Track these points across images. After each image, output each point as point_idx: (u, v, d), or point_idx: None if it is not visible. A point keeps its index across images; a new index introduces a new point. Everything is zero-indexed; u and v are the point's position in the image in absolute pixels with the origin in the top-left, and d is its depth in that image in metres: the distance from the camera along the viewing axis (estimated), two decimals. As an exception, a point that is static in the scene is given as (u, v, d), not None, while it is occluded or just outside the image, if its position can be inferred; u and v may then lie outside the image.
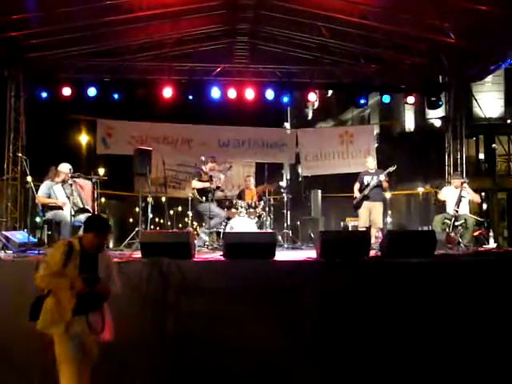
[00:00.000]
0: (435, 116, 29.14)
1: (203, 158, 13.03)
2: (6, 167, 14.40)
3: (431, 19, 12.80)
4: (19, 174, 14.08)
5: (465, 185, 12.25)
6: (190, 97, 15.43)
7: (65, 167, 10.61)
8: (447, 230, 11.73)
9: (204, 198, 12.32)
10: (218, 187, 12.80)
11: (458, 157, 15.76)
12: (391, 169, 12.83)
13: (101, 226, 5.77)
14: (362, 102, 16.13)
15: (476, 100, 19.78)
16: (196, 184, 12.51)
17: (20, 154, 13.34)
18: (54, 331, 5.54)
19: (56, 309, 5.51)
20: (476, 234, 12.36)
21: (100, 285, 5.58)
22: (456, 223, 11.80)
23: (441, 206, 12.79)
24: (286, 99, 16.10)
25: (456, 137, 15.92)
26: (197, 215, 13.37)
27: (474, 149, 30.30)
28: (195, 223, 16.48)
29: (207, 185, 12.46)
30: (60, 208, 10.32)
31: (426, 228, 22.69)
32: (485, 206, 25.45)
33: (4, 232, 10.51)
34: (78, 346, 5.57)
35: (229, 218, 12.72)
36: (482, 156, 30.94)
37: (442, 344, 7.40)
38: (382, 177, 12.55)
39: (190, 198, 13.53)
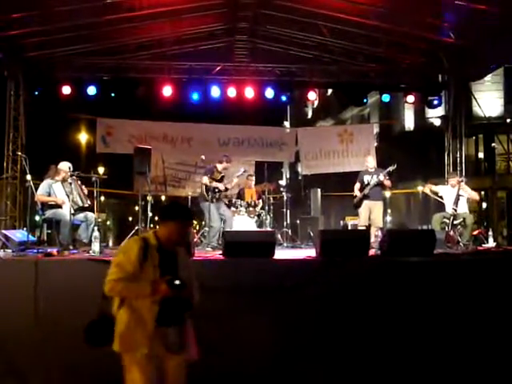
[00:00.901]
0: (435, 115, 29.08)
1: (203, 157, 13.04)
2: (6, 166, 14.40)
3: (430, 18, 12.81)
4: (19, 173, 14.10)
5: (462, 183, 12.26)
6: (190, 95, 15.44)
7: (64, 165, 10.61)
8: (446, 228, 11.75)
9: (210, 197, 12.27)
10: (227, 189, 12.79)
11: (458, 156, 15.75)
12: (391, 168, 12.82)
13: (185, 213, 4.73)
14: (362, 100, 16.16)
15: (475, 99, 19.74)
16: (207, 181, 12.46)
17: (20, 153, 13.33)
18: (136, 352, 4.45)
19: (135, 323, 4.46)
20: (475, 232, 12.38)
21: (185, 289, 4.52)
22: (455, 222, 11.83)
23: (440, 205, 12.79)
24: (285, 98, 16.12)
25: (455, 136, 15.92)
26: (198, 212, 13.35)
27: (473, 148, 30.26)
28: (194, 222, 16.46)
29: (218, 185, 12.44)
30: (59, 207, 10.32)
31: (425, 227, 22.69)
32: (484, 205, 25.46)
33: (3, 231, 10.49)
34: (158, 371, 4.56)
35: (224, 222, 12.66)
36: (481, 155, 30.91)
37: (442, 342, 7.40)
38: (382, 177, 12.54)
39: (189, 197, 13.56)
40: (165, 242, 4.59)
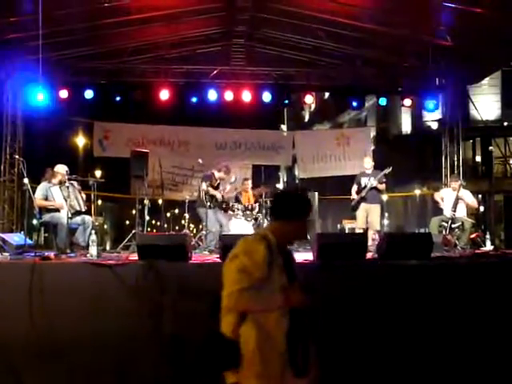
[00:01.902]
0: (432, 118, 29.20)
1: (201, 161, 13.07)
2: (3, 169, 14.37)
3: (427, 22, 12.82)
4: (16, 176, 14.08)
5: (463, 189, 12.31)
6: (187, 99, 15.46)
7: (61, 168, 10.63)
8: (444, 232, 11.76)
9: (208, 203, 12.35)
10: (223, 197, 12.85)
11: (455, 159, 15.77)
12: (387, 170, 12.85)
13: (311, 208, 4.04)
14: (359, 104, 16.19)
15: (473, 102, 19.82)
16: (208, 189, 12.51)
17: (17, 156, 13.33)
18: (270, 379, 3.63)
19: (264, 342, 3.63)
20: (473, 236, 12.38)
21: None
22: (453, 225, 11.84)
23: (438, 208, 12.83)
24: (282, 101, 16.14)
25: (453, 139, 15.93)
26: (194, 216, 13.36)
27: (470, 151, 30.40)
28: (192, 225, 16.47)
29: (216, 193, 12.52)
30: (57, 210, 10.34)
31: (422, 230, 22.71)
32: (482, 209, 25.48)
33: (1, 234, 10.50)
34: None
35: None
36: (478, 158, 31.04)
37: (440, 346, 7.40)
38: (375, 182, 12.56)
39: (187, 201, 13.56)
40: (281, 241, 3.83)
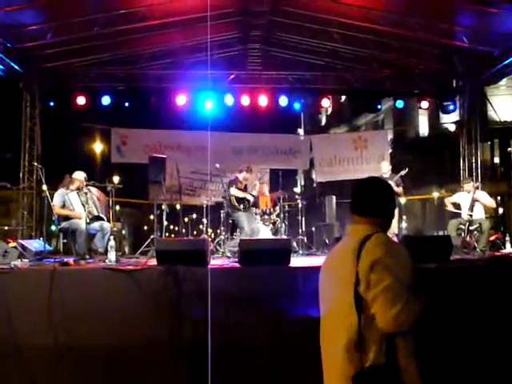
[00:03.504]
0: (449, 120, 29.03)
1: (218, 165, 13.08)
2: (22, 176, 14.47)
3: (444, 23, 12.78)
4: (35, 183, 14.18)
5: (479, 190, 12.24)
6: (204, 104, 15.50)
7: (79, 175, 10.67)
8: (462, 234, 11.70)
9: (242, 206, 12.35)
10: (254, 197, 12.81)
11: (473, 161, 15.68)
12: (403, 172, 12.84)
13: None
14: (376, 107, 16.16)
15: (491, 104, 19.72)
16: (236, 193, 12.49)
17: (35, 163, 13.41)
18: None
19: (408, 357, 3.19)
20: (492, 238, 12.30)
21: None
22: (471, 228, 11.77)
23: (454, 212, 12.76)
24: (298, 105, 16.15)
25: (470, 141, 15.85)
26: (228, 223, 13.31)
27: (488, 153, 30.16)
28: (210, 230, 16.47)
29: (246, 195, 12.50)
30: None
31: (441, 233, 22.59)
32: (501, 210, 25.32)
33: (20, 240, 10.55)
34: None
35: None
36: (497, 160, 30.79)
37: (456, 348, 7.35)
38: (392, 184, 12.51)
39: (204, 206, 13.58)
40: None
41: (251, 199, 12.58)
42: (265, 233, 12.48)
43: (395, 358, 3.08)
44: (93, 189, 10.92)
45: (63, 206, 10.40)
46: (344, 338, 3.09)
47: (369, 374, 3.01)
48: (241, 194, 12.47)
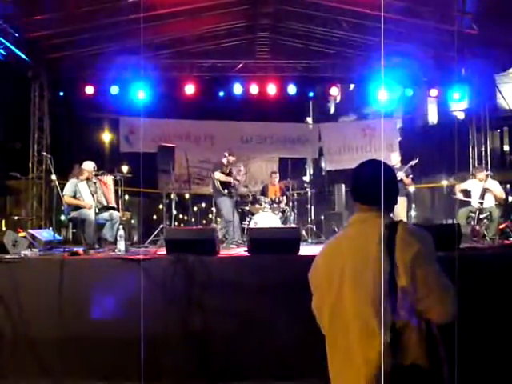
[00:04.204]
0: (458, 108, 28.91)
1: (227, 154, 13.11)
2: (31, 166, 14.52)
3: (452, 11, 12.70)
4: (44, 173, 14.21)
5: (491, 180, 12.20)
6: (212, 93, 15.50)
7: (89, 165, 10.71)
8: (472, 223, 11.67)
9: (226, 191, 12.40)
10: (238, 180, 12.83)
11: (483, 149, 15.65)
12: (413, 162, 12.78)
13: None
14: (384, 95, 16.11)
15: (500, 91, 19.56)
16: (220, 176, 12.54)
17: (45, 153, 13.42)
18: None
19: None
20: (502, 226, 12.28)
21: None
22: (481, 216, 11.75)
23: (463, 200, 12.71)
24: (307, 94, 16.12)
25: (480, 129, 15.81)
26: (238, 211, 13.37)
27: (498, 141, 30.04)
28: (219, 219, 16.53)
29: (229, 179, 12.53)
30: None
31: (450, 221, 22.53)
32: (510, 199, 25.22)
33: (30, 230, 10.60)
34: None
35: (252, 214, 12.77)
36: (506, 148, 30.67)
37: (467, 337, 7.33)
38: (401, 175, 12.46)
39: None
40: None
41: (233, 182, 12.60)
42: (271, 221, 12.47)
43: (436, 353, 2.99)
44: (104, 177, 10.96)
45: (74, 196, 10.44)
46: (377, 334, 2.83)
47: (409, 372, 2.82)
48: (224, 178, 12.51)
